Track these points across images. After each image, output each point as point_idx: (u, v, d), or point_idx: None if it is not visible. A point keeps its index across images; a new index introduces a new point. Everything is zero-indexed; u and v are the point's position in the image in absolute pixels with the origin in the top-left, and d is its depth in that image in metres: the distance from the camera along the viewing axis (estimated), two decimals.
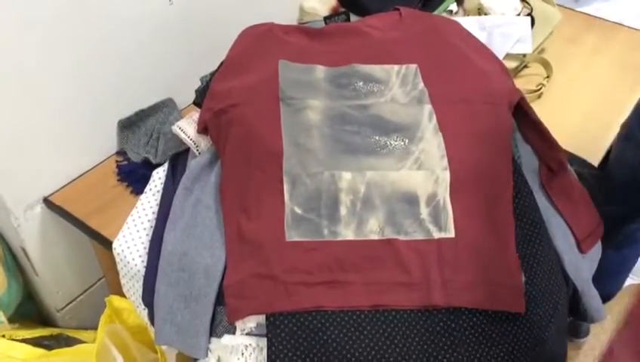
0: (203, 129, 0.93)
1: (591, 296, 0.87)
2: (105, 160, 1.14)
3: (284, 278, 0.74)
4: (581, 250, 0.87)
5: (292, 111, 0.86)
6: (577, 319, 0.89)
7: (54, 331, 1.21)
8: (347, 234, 0.77)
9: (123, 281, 0.92)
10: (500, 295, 0.75)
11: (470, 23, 1.23)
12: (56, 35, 0.98)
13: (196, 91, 1.04)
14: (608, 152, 1.10)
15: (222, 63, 0.99)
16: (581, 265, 0.86)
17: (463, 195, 0.80)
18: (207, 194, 0.85)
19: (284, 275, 0.74)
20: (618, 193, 1.01)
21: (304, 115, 0.86)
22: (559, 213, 0.87)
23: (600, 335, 1.46)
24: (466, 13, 1.36)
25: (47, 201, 1.08)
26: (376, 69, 0.93)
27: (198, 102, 1.01)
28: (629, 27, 1.45)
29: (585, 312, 0.88)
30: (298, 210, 0.78)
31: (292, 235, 0.77)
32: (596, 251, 0.90)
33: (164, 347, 0.90)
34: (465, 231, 0.77)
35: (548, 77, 1.27)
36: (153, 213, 0.93)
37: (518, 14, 1.33)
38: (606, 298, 1.09)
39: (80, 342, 1.20)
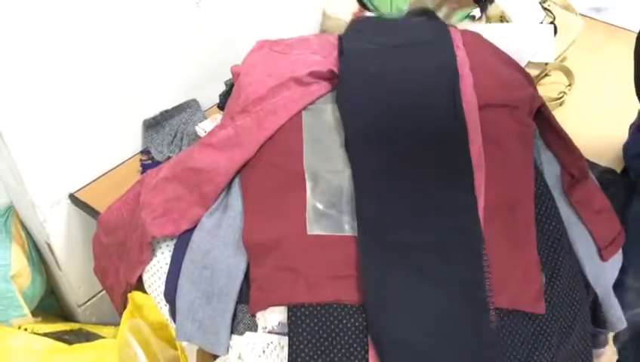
0: None
1: (611, 304, 0.86)
2: (130, 158, 1.16)
3: (304, 271, 0.75)
4: (602, 258, 0.87)
5: (314, 113, 0.88)
6: (597, 327, 0.88)
7: (74, 326, 1.23)
8: None
9: (145, 277, 0.93)
10: (520, 296, 0.75)
11: (492, 31, 1.24)
12: (83, 34, 0.99)
13: (220, 95, 1.06)
14: None
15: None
16: (602, 273, 0.86)
17: (483, 198, 0.80)
18: (234, 196, 0.86)
19: (304, 268, 0.75)
20: None
21: (326, 115, 0.87)
22: (581, 220, 0.87)
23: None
24: (489, 20, 1.36)
25: (72, 197, 1.10)
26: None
27: (221, 106, 1.03)
28: None
29: (605, 320, 0.87)
30: (320, 206, 0.79)
31: (313, 229, 0.77)
32: (617, 259, 0.90)
33: (184, 343, 0.91)
34: (484, 232, 0.78)
35: (570, 85, 1.27)
36: None
37: (541, 22, 1.33)
38: None
39: (99, 337, 1.21)
